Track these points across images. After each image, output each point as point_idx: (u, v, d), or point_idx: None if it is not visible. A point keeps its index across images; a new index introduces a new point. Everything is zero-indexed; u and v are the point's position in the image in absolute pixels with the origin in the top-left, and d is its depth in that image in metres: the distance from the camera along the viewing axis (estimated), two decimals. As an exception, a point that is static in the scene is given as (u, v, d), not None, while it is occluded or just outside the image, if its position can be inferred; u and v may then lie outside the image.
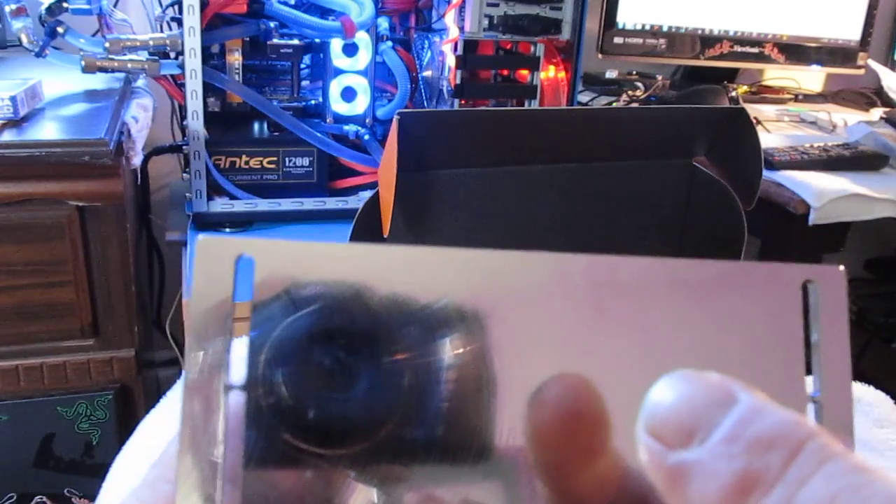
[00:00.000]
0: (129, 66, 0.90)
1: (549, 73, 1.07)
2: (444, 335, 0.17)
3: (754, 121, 0.84)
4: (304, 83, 1.08)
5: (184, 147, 0.99)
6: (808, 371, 0.18)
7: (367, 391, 0.17)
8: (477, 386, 0.17)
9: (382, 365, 0.17)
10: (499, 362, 0.17)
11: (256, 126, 1.02)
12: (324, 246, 0.17)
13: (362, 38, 1.00)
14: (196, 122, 0.91)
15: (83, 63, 0.89)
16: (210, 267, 0.17)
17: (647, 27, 1.33)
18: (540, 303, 0.17)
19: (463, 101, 1.04)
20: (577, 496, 0.16)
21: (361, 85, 1.02)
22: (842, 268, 0.19)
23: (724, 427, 0.12)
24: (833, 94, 1.65)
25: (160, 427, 0.58)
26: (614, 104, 1.31)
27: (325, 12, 1.00)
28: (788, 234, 1.08)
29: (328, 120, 1.03)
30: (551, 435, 0.16)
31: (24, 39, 0.92)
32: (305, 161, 0.98)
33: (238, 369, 0.16)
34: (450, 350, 0.17)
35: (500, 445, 0.17)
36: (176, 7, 0.94)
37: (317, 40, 1.01)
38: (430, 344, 0.17)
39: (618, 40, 1.31)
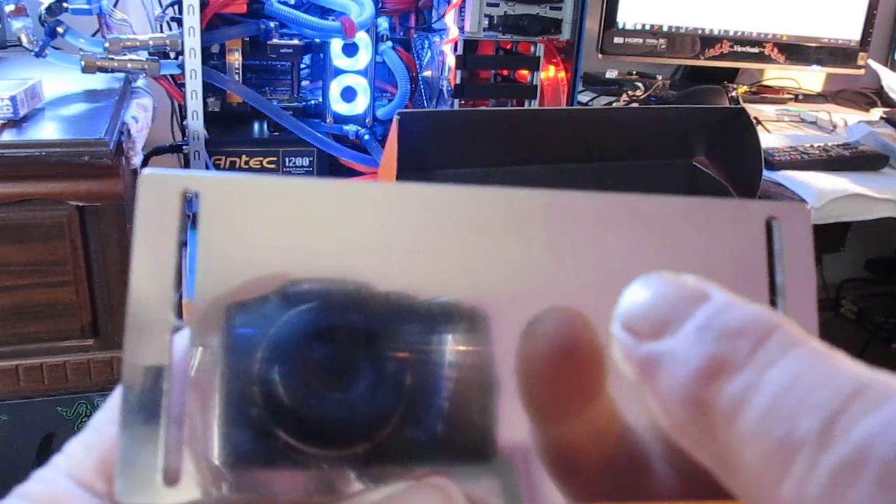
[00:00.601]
0: (129, 66, 0.90)
1: (549, 73, 1.07)
2: (445, 331, 0.17)
3: (754, 121, 0.84)
4: (304, 83, 1.08)
5: (184, 147, 0.99)
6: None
7: (368, 390, 0.16)
8: (479, 383, 0.17)
9: (383, 363, 0.16)
10: (497, 354, 0.17)
11: (256, 126, 1.02)
12: (275, 181, 0.17)
13: (362, 38, 1.00)
14: (196, 122, 0.91)
15: (83, 63, 0.89)
16: (154, 202, 0.16)
17: (647, 27, 1.33)
18: (491, 237, 0.17)
19: (463, 101, 1.04)
20: (572, 447, 0.16)
21: (361, 85, 1.02)
22: (807, 205, 0.18)
23: (696, 318, 0.12)
24: (833, 94, 1.65)
25: None
26: (614, 104, 1.31)
27: (325, 12, 1.00)
28: (788, 234, 1.08)
29: (328, 120, 1.03)
30: (545, 369, 0.15)
31: (24, 39, 0.92)
32: (305, 161, 0.98)
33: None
34: (451, 346, 0.17)
35: (502, 441, 0.16)
36: (176, 7, 0.94)
37: (317, 40, 1.01)
38: (431, 340, 0.17)
39: (618, 40, 1.31)
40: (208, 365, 0.16)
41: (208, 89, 0.92)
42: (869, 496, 0.10)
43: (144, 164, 1.04)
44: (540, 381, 0.16)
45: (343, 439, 0.16)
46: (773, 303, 0.17)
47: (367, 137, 1.01)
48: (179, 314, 0.16)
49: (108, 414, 0.17)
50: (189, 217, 0.16)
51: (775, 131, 1.32)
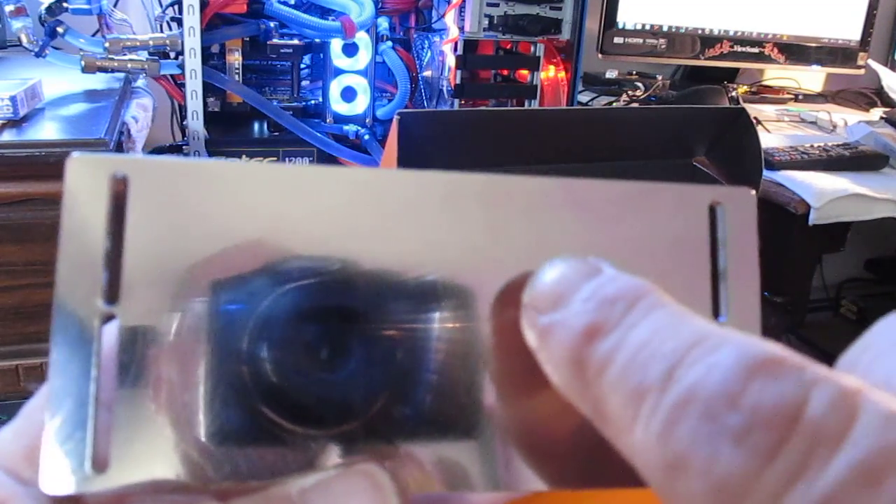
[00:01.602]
0: (129, 66, 0.90)
1: (549, 73, 1.07)
2: (433, 308, 0.16)
3: (754, 121, 0.84)
4: (304, 83, 1.08)
5: (184, 147, 0.99)
6: (716, 297, 0.18)
7: (357, 369, 0.16)
8: (465, 360, 0.16)
9: (372, 341, 0.16)
10: (486, 333, 0.16)
11: (256, 126, 1.02)
12: (208, 165, 0.16)
13: (362, 38, 1.00)
14: (196, 122, 0.91)
15: (83, 63, 0.89)
16: (82, 185, 0.15)
17: (647, 27, 1.33)
18: (430, 223, 0.17)
19: (463, 101, 1.04)
20: (541, 423, 0.16)
21: (361, 85, 1.02)
22: (752, 191, 0.18)
23: (582, 291, 0.14)
24: (833, 94, 1.65)
25: None
26: (614, 104, 1.31)
27: (325, 12, 1.00)
28: (788, 234, 1.08)
29: (328, 120, 1.03)
30: (510, 340, 0.16)
31: (24, 39, 0.92)
32: (305, 161, 0.98)
33: (111, 294, 0.15)
34: (439, 323, 0.16)
35: (490, 419, 0.16)
36: (176, 7, 0.94)
37: (317, 40, 1.01)
38: (419, 318, 0.16)
39: (618, 40, 1.31)
40: (188, 339, 0.15)
41: (208, 89, 0.92)
42: (695, 428, 0.11)
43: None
44: (506, 353, 0.16)
45: (331, 418, 0.16)
46: (715, 288, 0.17)
47: (367, 137, 1.01)
48: (110, 299, 0.15)
49: (39, 401, 0.16)
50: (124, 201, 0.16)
51: (775, 131, 1.32)
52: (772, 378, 0.11)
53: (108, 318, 0.15)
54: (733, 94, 1.43)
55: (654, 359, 0.12)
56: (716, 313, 0.17)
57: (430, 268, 0.16)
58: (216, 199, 0.16)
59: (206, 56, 0.93)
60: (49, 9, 0.91)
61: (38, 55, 0.93)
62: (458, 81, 1.02)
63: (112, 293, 0.15)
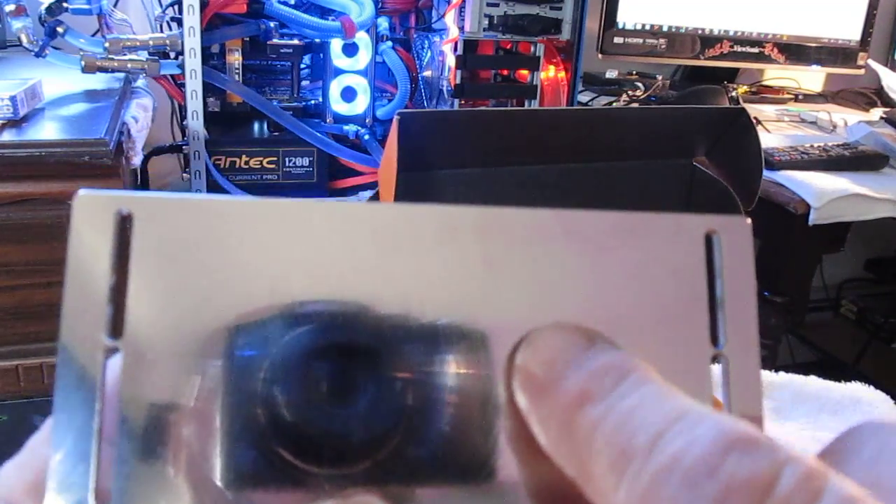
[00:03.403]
0: (129, 66, 0.90)
1: (549, 73, 1.07)
2: (447, 352, 0.17)
3: (754, 121, 0.84)
4: (304, 83, 1.08)
5: (184, 147, 0.99)
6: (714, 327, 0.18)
7: (370, 409, 0.16)
8: (481, 405, 0.16)
9: (385, 382, 0.16)
10: (502, 379, 0.16)
11: (256, 126, 1.02)
12: (211, 202, 0.16)
13: (362, 38, 1.00)
14: (196, 122, 0.91)
15: (83, 63, 0.89)
16: (87, 222, 0.16)
17: (647, 27, 1.33)
18: (423, 252, 0.17)
19: (463, 101, 1.04)
20: (562, 488, 0.16)
21: (361, 85, 1.02)
22: (748, 220, 0.18)
23: (577, 359, 0.15)
24: (833, 94, 1.65)
25: None
26: (614, 104, 1.31)
27: (325, 12, 1.00)
28: (788, 234, 1.08)
29: (328, 120, 1.03)
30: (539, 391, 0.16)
31: (24, 39, 0.92)
32: (305, 161, 0.98)
33: (116, 330, 0.16)
34: (453, 368, 0.17)
35: (502, 463, 0.16)
36: (176, 7, 0.94)
37: (317, 40, 1.01)
38: (433, 361, 0.16)
39: (618, 40, 1.31)
40: (194, 376, 0.16)
41: (208, 89, 0.92)
42: (676, 492, 0.12)
43: (144, 164, 1.04)
44: (518, 416, 0.16)
45: (344, 457, 0.16)
46: (712, 316, 0.18)
47: (367, 137, 1.01)
48: (114, 333, 0.16)
49: (43, 434, 0.17)
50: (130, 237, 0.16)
51: (775, 131, 1.32)
52: (748, 453, 0.13)
53: (112, 352, 0.15)
54: (733, 94, 1.43)
55: (640, 428, 0.13)
56: (714, 341, 0.18)
57: (434, 309, 0.17)
58: (219, 236, 0.16)
59: (206, 56, 0.93)
60: (49, 9, 0.91)
61: (38, 55, 0.93)
62: (458, 81, 1.02)
63: (116, 328, 0.16)
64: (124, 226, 0.16)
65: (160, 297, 0.16)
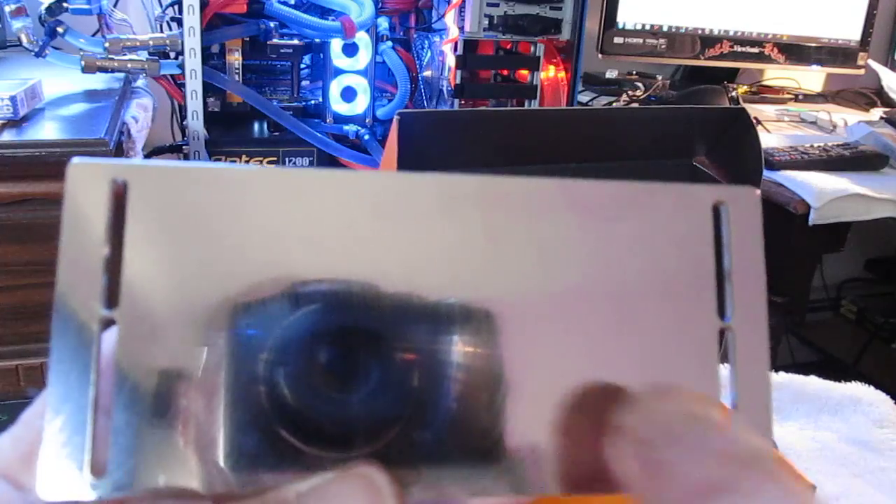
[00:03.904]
0: (129, 66, 0.90)
1: (549, 73, 1.07)
2: (450, 331, 0.16)
3: (754, 121, 0.84)
4: (304, 83, 1.08)
5: (184, 147, 0.99)
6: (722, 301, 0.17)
7: (375, 392, 0.16)
8: (486, 382, 0.16)
9: (390, 364, 0.16)
10: (508, 358, 0.16)
11: (256, 126, 1.02)
12: (207, 170, 0.16)
13: (362, 38, 1.00)
14: (196, 122, 0.91)
15: (83, 63, 0.89)
16: (82, 191, 0.15)
17: (647, 27, 1.33)
18: (425, 225, 0.16)
19: (463, 101, 1.04)
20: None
21: (361, 85, 1.02)
22: (756, 190, 0.18)
23: (706, 440, 0.15)
24: (833, 94, 1.65)
25: None
26: (614, 104, 1.31)
27: (325, 12, 1.00)
28: (788, 234, 1.08)
29: (328, 120, 1.03)
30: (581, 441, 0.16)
31: (24, 39, 0.92)
32: (305, 161, 0.98)
33: (112, 301, 0.15)
34: (459, 348, 0.16)
35: (511, 443, 0.16)
36: (176, 7, 0.94)
37: (317, 40, 1.01)
38: (436, 341, 0.16)
39: (618, 40, 1.31)
40: (190, 345, 0.15)
41: (208, 89, 0.92)
42: None
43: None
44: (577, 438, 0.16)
45: (348, 440, 0.16)
46: (720, 288, 0.17)
47: (367, 137, 1.01)
48: (110, 304, 0.15)
49: (38, 408, 0.16)
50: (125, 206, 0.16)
51: (775, 131, 1.32)
52: None
53: (108, 322, 0.15)
54: (733, 94, 1.43)
55: None
56: (721, 314, 0.17)
57: (437, 285, 0.16)
58: (216, 204, 0.16)
59: (206, 56, 0.93)
60: (49, 9, 0.91)
61: (38, 55, 0.93)
62: (458, 81, 1.02)
63: (111, 298, 0.15)
64: (120, 195, 0.16)
65: (157, 267, 0.16)
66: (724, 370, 0.17)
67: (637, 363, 0.17)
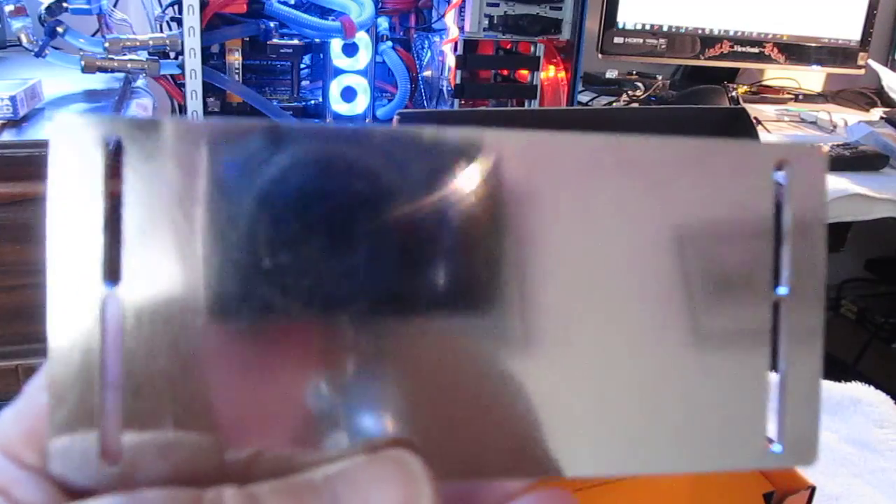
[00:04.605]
0: (129, 66, 0.90)
1: (549, 73, 1.07)
2: (448, 178, 0.15)
3: (754, 121, 0.84)
4: (304, 83, 1.08)
5: (184, 147, 0.98)
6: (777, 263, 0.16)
7: (366, 245, 0.15)
8: (486, 231, 0.15)
9: (382, 216, 0.15)
10: (498, 201, 0.15)
11: (256, 126, 1.02)
12: (213, 125, 0.14)
13: (362, 38, 1.00)
14: (196, 122, 0.91)
15: (83, 63, 0.89)
16: (71, 152, 0.14)
17: (647, 27, 1.33)
18: (467, 188, 0.15)
19: (463, 101, 1.03)
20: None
21: (361, 85, 1.02)
22: (824, 147, 0.16)
23: None
24: (833, 94, 1.65)
25: None
26: (614, 104, 1.31)
27: (325, 12, 1.00)
28: (788, 234, 1.08)
29: (328, 120, 1.03)
30: None
31: (24, 39, 0.92)
32: (305, 161, 0.98)
33: (113, 269, 0.14)
34: (455, 194, 0.15)
35: (505, 291, 0.15)
36: (176, 7, 0.94)
37: (317, 40, 1.01)
38: (433, 189, 0.15)
39: (618, 40, 1.31)
40: (189, 201, 0.14)
41: (208, 89, 0.92)
42: None
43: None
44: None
45: (341, 297, 0.15)
46: (777, 250, 0.16)
47: (367, 137, 1.01)
48: (111, 278, 0.14)
49: (40, 381, 0.16)
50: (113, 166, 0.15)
51: (775, 131, 1.32)
52: None
53: (110, 297, 0.14)
54: (733, 94, 1.43)
55: None
56: (776, 282, 0.16)
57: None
58: (221, 159, 0.14)
59: (206, 56, 0.93)
60: (49, 9, 0.91)
61: (37, 55, 0.93)
62: (458, 81, 1.02)
63: (113, 270, 0.14)
64: (114, 156, 0.14)
65: (161, 237, 0.14)
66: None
67: (684, 334, 0.16)
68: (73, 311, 0.14)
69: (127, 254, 0.14)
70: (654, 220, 0.16)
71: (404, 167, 0.15)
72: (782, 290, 0.16)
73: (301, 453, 0.15)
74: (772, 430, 0.16)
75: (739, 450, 0.16)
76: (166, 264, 0.14)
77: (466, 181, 0.15)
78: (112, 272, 0.14)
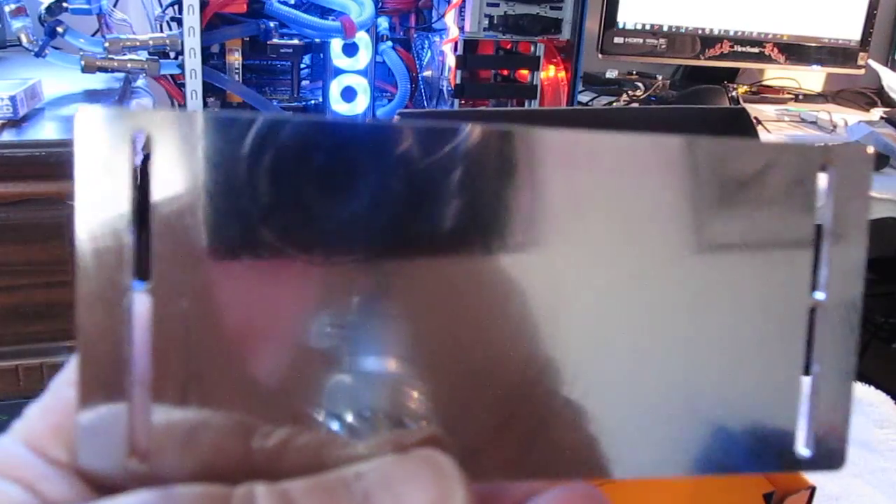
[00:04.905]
0: (129, 66, 0.90)
1: (549, 73, 1.07)
2: (460, 148, 0.15)
3: (754, 121, 0.84)
4: (304, 83, 1.08)
5: (184, 147, 0.98)
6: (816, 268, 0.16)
7: (370, 188, 0.15)
8: (487, 173, 0.15)
9: (386, 160, 0.15)
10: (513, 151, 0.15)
11: (256, 126, 1.02)
12: (243, 116, 0.14)
13: (362, 38, 1.00)
14: (196, 122, 0.91)
15: (83, 63, 0.89)
16: (98, 147, 0.14)
17: (647, 27, 1.33)
18: (475, 134, 0.15)
19: (463, 101, 1.03)
20: None
21: (361, 85, 1.02)
22: (870, 148, 0.16)
23: None
24: (833, 94, 1.65)
25: None
26: (614, 104, 1.31)
27: (325, 12, 1.00)
28: (788, 234, 1.08)
29: (328, 120, 1.03)
30: None
31: (24, 39, 0.92)
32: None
33: (142, 266, 0.14)
34: (468, 139, 0.15)
35: (512, 229, 0.15)
36: (176, 7, 0.94)
37: (317, 40, 1.01)
38: (442, 156, 0.15)
39: (618, 40, 1.31)
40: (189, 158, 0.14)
41: (208, 89, 0.92)
42: None
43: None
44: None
45: (346, 240, 0.15)
46: (816, 249, 0.16)
47: (367, 137, 1.01)
48: (140, 273, 0.14)
49: (67, 375, 0.16)
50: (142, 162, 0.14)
51: (775, 131, 1.32)
52: None
53: (139, 294, 0.14)
54: (733, 94, 1.43)
55: None
56: (813, 286, 0.16)
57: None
58: (253, 152, 0.14)
59: (206, 56, 0.92)
60: (49, 9, 0.91)
61: (37, 55, 0.93)
62: (458, 81, 1.02)
63: (142, 270, 0.14)
64: (142, 151, 0.14)
65: (191, 231, 0.14)
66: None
67: (720, 335, 0.16)
68: (101, 306, 0.14)
69: (155, 247, 0.14)
70: (692, 219, 0.16)
71: (413, 145, 0.15)
72: (819, 295, 0.16)
73: (330, 443, 0.15)
74: (801, 434, 0.16)
75: (769, 453, 0.16)
76: (194, 256, 0.14)
77: (473, 149, 0.15)
78: (141, 267, 0.14)
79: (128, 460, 0.14)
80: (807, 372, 0.16)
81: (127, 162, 0.14)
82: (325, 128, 0.15)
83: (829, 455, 0.16)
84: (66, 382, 0.15)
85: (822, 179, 0.16)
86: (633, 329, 0.16)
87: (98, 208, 0.14)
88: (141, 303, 0.14)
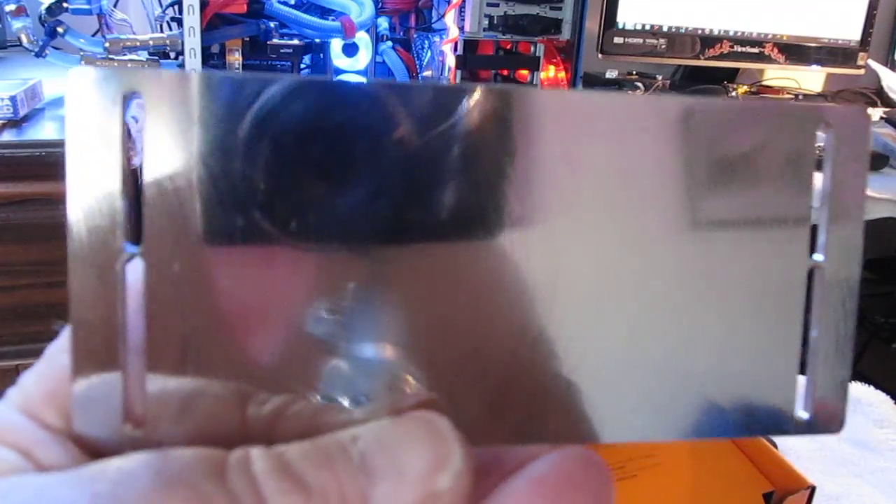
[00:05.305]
0: (129, 66, 0.90)
1: (549, 73, 1.07)
2: (458, 108, 0.15)
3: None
4: (304, 83, 1.08)
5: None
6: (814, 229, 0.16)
7: (365, 172, 0.14)
8: (484, 162, 0.15)
9: (383, 144, 0.14)
10: (505, 132, 0.15)
11: (256, 126, 1.02)
12: (236, 77, 0.14)
13: (362, 38, 1.00)
14: (196, 122, 0.91)
15: (83, 63, 0.89)
16: (90, 107, 0.14)
17: (647, 27, 1.33)
18: (473, 115, 0.15)
19: (463, 101, 1.04)
20: None
21: (361, 85, 1.02)
22: (868, 109, 0.16)
23: None
24: (833, 94, 1.65)
25: None
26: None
27: (325, 12, 1.00)
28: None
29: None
30: None
31: (24, 39, 0.92)
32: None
33: (134, 230, 0.14)
34: (465, 124, 0.15)
35: (508, 219, 0.15)
36: (176, 7, 0.94)
37: (317, 40, 1.01)
38: (440, 116, 0.15)
39: (618, 40, 1.31)
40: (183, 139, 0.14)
41: (208, 89, 0.92)
42: None
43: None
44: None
45: (344, 229, 0.14)
46: (815, 212, 0.16)
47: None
48: (133, 239, 0.14)
49: (62, 342, 0.15)
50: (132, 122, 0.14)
51: (775, 131, 1.32)
52: None
53: (131, 258, 0.14)
54: (733, 94, 1.43)
55: None
56: (812, 249, 0.16)
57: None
58: (250, 114, 0.14)
59: (206, 56, 0.93)
60: (49, 9, 0.91)
61: (38, 55, 0.93)
62: (458, 81, 1.02)
63: (134, 233, 0.14)
64: (133, 110, 0.14)
65: (182, 192, 0.14)
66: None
67: (718, 296, 0.16)
68: (94, 271, 0.14)
69: (147, 210, 0.14)
70: (691, 178, 0.16)
71: (409, 105, 0.15)
72: (818, 257, 0.16)
73: (326, 410, 0.15)
74: (799, 397, 0.16)
75: (767, 416, 0.16)
76: (187, 219, 0.14)
77: (471, 109, 0.15)
78: (133, 231, 0.14)
79: (123, 426, 0.14)
80: (805, 335, 0.16)
81: (118, 123, 0.14)
82: (324, 87, 0.14)
83: (828, 418, 0.16)
84: (60, 349, 0.15)
85: (821, 140, 0.16)
86: (629, 296, 0.16)
87: (89, 170, 0.14)
88: (134, 270, 0.14)
